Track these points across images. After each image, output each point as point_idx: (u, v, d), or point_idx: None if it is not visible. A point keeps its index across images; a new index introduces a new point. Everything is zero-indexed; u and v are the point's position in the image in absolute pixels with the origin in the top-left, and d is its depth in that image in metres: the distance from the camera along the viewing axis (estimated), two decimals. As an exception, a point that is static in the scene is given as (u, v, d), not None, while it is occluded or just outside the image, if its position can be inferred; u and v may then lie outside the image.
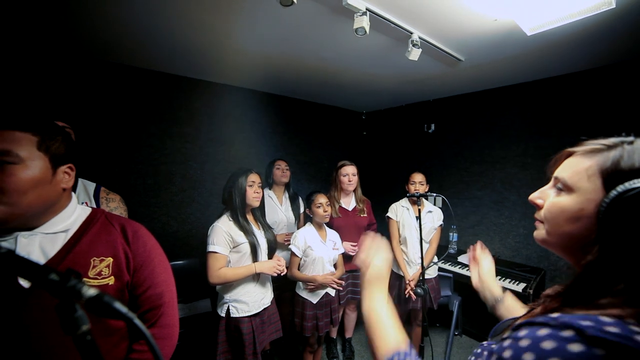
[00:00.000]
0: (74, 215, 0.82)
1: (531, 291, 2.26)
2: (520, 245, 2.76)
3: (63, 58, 2.09)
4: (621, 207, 0.39)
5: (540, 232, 0.54)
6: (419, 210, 1.84)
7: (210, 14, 1.58)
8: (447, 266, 2.79)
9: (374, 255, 0.75)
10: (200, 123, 2.79)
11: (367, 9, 1.42)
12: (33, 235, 0.74)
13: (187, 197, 2.76)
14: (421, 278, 1.77)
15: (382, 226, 2.60)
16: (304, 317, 2.05)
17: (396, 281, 2.38)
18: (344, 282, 2.15)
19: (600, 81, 2.31)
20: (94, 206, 1.36)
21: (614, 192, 0.40)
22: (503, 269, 2.56)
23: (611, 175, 0.43)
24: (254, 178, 1.75)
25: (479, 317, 2.82)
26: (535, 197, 0.57)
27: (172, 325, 0.92)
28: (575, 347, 0.34)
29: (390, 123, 4.01)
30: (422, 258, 1.73)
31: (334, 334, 2.66)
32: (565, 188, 0.50)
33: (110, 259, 0.82)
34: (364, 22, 1.41)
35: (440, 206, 2.85)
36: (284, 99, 3.38)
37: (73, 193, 0.86)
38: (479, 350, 0.53)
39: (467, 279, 2.60)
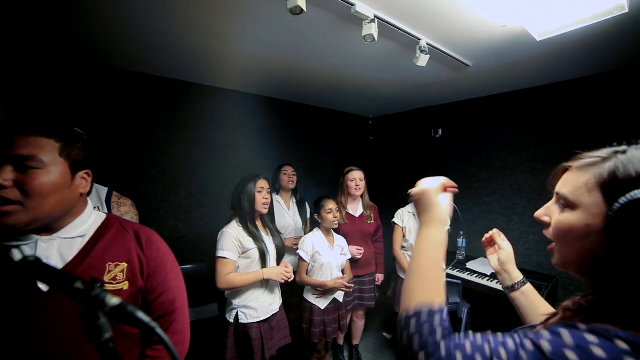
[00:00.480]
0: (90, 220, 0.83)
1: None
2: (530, 252, 2.72)
3: (79, 66, 2.15)
4: (626, 219, 0.39)
5: (557, 258, 0.53)
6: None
7: (221, 22, 1.60)
8: (455, 272, 2.75)
9: (433, 183, 0.72)
10: (209, 129, 2.82)
11: (375, 17, 1.44)
12: (52, 239, 0.75)
13: (196, 202, 2.78)
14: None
15: (387, 231, 2.59)
16: (312, 323, 2.05)
17: (401, 286, 2.36)
18: (352, 286, 2.14)
19: (612, 85, 2.28)
20: (106, 210, 1.38)
21: (617, 205, 0.40)
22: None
23: (610, 188, 0.43)
24: (262, 184, 1.76)
25: (488, 325, 2.77)
26: (541, 214, 0.56)
27: (184, 331, 0.93)
28: None
29: (397, 128, 4.00)
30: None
31: (341, 341, 2.64)
32: (568, 204, 0.49)
33: (125, 264, 0.83)
34: (372, 30, 1.42)
35: (448, 212, 2.82)
36: (291, 105, 3.41)
37: (88, 199, 0.88)
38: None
39: (476, 285, 2.57)
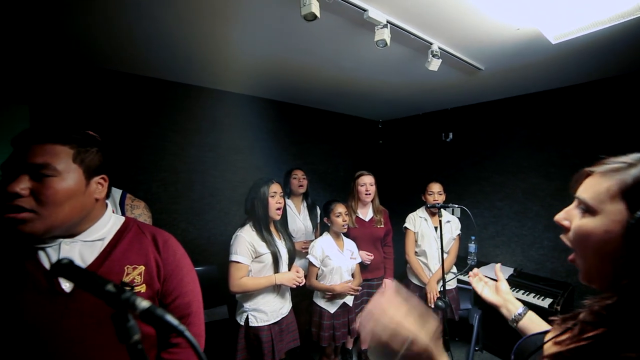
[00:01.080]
0: (109, 224, 0.85)
1: (559, 307, 2.16)
2: (544, 258, 2.66)
3: (97, 71, 2.21)
4: None
5: (582, 273, 0.52)
6: (440, 221, 1.82)
7: (235, 28, 1.63)
8: (467, 278, 2.71)
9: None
10: (221, 132, 2.86)
11: (387, 22, 1.44)
12: (74, 242, 0.77)
13: (207, 204, 2.81)
14: (442, 290, 1.73)
15: (397, 235, 2.57)
16: (321, 327, 2.05)
17: (416, 292, 2.34)
18: (360, 288, 2.13)
19: (628, 88, 2.23)
20: (119, 213, 1.41)
21: (639, 213, 0.39)
22: (526, 283, 2.47)
23: (634, 195, 0.42)
24: (275, 188, 1.77)
25: (500, 331, 2.72)
26: (561, 218, 0.55)
27: (199, 335, 0.94)
28: None
29: (406, 132, 3.99)
30: (442, 271, 1.70)
31: (350, 345, 2.62)
32: (588, 210, 0.48)
33: (143, 267, 0.84)
34: (384, 35, 1.42)
35: (459, 216, 2.80)
36: (301, 108, 3.43)
37: (107, 202, 0.90)
38: None
39: (488, 292, 2.52)
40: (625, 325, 0.42)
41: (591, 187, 0.49)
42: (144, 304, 0.34)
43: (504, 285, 0.91)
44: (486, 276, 1.01)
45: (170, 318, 0.34)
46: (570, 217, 0.53)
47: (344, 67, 2.19)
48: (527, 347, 0.66)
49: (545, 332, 0.64)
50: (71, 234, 0.77)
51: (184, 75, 2.44)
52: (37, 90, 2.04)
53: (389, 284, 2.42)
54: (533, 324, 0.80)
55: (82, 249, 0.79)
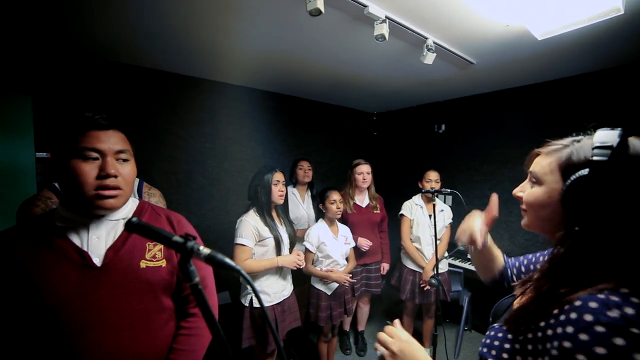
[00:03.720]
0: (129, 206, 0.93)
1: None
2: (529, 243, 2.82)
3: (99, 63, 2.24)
4: (575, 191, 0.51)
5: (524, 221, 0.67)
6: (434, 207, 1.93)
7: (235, 20, 1.69)
8: (457, 262, 2.86)
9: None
10: (220, 123, 2.91)
11: (386, 17, 1.52)
12: (100, 222, 0.85)
13: (207, 194, 2.88)
14: (435, 271, 1.86)
15: (392, 222, 2.69)
16: (318, 308, 2.16)
17: (410, 276, 2.46)
18: (354, 279, 2.24)
19: (610, 82, 2.37)
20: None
21: (569, 181, 0.52)
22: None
23: (566, 168, 0.55)
24: (278, 177, 1.85)
25: (487, 312, 2.89)
26: (517, 191, 0.69)
27: (213, 306, 1.04)
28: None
29: (401, 123, 4.09)
30: (436, 252, 1.82)
31: (347, 327, 2.76)
32: (536, 181, 0.62)
33: (161, 245, 0.92)
34: (383, 30, 1.51)
35: (451, 204, 2.93)
36: (298, 100, 3.49)
37: None
38: (490, 335, 0.62)
39: (477, 274, 2.67)
40: (561, 270, 0.53)
41: (538, 164, 0.63)
42: (205, 250, 0.43)
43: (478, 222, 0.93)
44: (470, 259, 1.06)
45: (229, 261, 0.43)
46: (523, 189, 0.67)
47: (342, 60, 2.26)
48: (501, 308, 0.78)
49: (514, 296, 0.75)
50: (101, 215, 0.85)
51: (185, 67, 2.48)
52: (39, 81, 2.06)
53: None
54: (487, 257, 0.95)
55: (108, 227, 0.86)
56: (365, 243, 2.35)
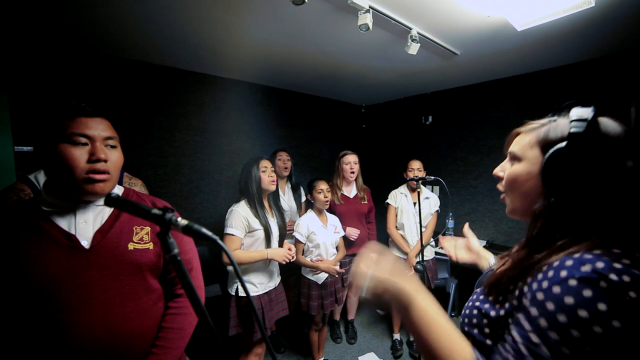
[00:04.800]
0: (114, 192, 0.94)
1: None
2: (513, 230, 2.91)
3: (83, 55, 2.20)
4: (553, 163, 0.54)
5: (508, 207, 0.68)
6: (418, 195, 1.98)
7: (222, 11, 1.68)
8: (444, 250, 2.93)
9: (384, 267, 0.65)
10: (208, 116, 2.90)
11: (370, 7, 1.54)
12: (87, 207, 0.87)
13: (195, 187, 2.87)
14: (420, 257, 1.91)
15: (381, 215, 2.73)
16: (309, 297, 2.19)
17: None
18: (343, 270, 2.28)
19: (587, 73, 2.45)
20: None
21: (548, 153, 0.55)
22: (497, 252, 2.69)
23: (544, 144, 0.58)
24: (265, 164, 1.86)
25: (474, 299, 2.98)
26: (497, 171, 0.71)
27: (200, 287, 1.07)
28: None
29: (388, 116, 4.13)
30: (421, 237, 1.87)
31: (337, 316, 2.81)
32: (516, 159, 0.64)
33: (149, 228, 0.94)
34: (367, 19, 1.52)
35: (438, 194, 2.98)
36: (287, 93, 3.49)
37: None
38: (473, 298, 0.66)
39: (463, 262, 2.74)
40: (539, 239, 0.57)
41: (518, 142, 0.65)
42: (183, 222, 0.45)
43: (475, 241, 1.04)
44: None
45: (205, 230, 0.45)
46: (503, 169, 0.69)
47: (328, 51, 2.27)
48: (483, 280, 0.82)
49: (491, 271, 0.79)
50: (88, 200, 0.86)
51: (171, 59, 2.45)
52: (16, 77, 2.02)
53: (373, 244, 2.58)
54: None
55: (95, 212, 0.88)
56: (353, 232, 2.39)
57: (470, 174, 3.24)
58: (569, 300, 0.44)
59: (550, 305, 0.46)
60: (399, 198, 2.54)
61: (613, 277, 0.43)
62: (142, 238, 0.92)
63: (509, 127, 0.72)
